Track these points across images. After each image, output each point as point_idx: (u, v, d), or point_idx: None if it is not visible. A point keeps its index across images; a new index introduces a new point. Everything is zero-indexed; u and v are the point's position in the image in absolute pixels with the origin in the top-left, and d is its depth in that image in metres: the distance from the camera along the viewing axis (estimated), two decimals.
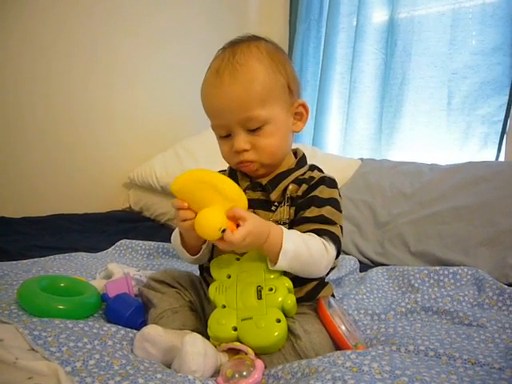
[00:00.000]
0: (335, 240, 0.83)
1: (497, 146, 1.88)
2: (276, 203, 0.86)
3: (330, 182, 0.87)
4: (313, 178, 0.87)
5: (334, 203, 0.85)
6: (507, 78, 1.84)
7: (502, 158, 1.88)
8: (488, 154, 1.91)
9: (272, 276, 0.78)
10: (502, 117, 1.86)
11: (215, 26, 2.37)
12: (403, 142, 2.14)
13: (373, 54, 2.18)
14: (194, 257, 0.88)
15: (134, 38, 2.14)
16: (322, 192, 0.85)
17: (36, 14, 1.81)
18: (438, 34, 2.00)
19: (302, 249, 0.78)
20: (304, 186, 0.86)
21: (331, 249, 0.82)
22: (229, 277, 0.81)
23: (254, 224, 0.74)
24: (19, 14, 1.76)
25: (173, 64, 2.28)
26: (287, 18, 2.57)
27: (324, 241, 0.81)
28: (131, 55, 2.14)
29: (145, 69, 2.20)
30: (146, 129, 2.23)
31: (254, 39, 0.86)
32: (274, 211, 0.86)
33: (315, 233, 0.81)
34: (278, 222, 0.85)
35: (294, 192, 0.86)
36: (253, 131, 0.82)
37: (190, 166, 1.99)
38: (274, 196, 0.86)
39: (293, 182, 0.87)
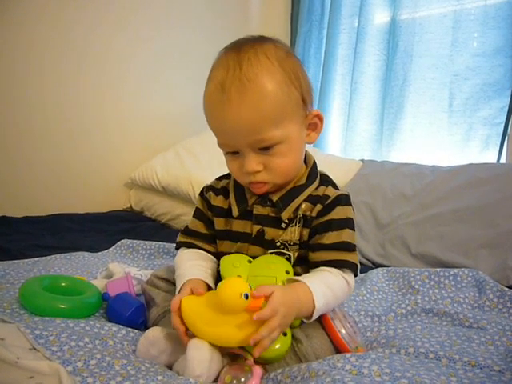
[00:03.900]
0: (354, 269, 0.81)
1: (498, 148, 1.88)
2: (286, 220, 0.82)
3: (345, 200, 0.82)
4: (327, 196, 0.82)
5: (351, 224, 0.82)
6: (509, 80, 1.84)
7: (503, 160, 1.88)
8: (489, 156, 1.91)
9: (282, 284, 0.77)
10: (504, 119, 1.86)
11: (217, 26, 2.37)
12: (404, 143, 2.14)
13: (374, 55, 2.18)
14: None
15: (136, 38, 2.14)
16: (338, 213, 0.81)
17: (30, 15, 1.81)
18: (439, 36, 2.00)
19: (330, 298, 0.76)
20: (318, 207, 0.81)
21: (351, 281, 0.81)
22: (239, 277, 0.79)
23: (283, 294, 0.69)
24: (29, 15, 1.77)
25: (175, 64, 2.29)
26: (289, 20, 2.57)
27: (345, 275, 0.79)
28: (134, 55, 2.15)
29: (146, 69, 2.20)
30: (147, 129, 2.23)
31: (261, 42, 0.76)
32: (284, 229, 0.82)
33: (335, 265, 0.79)
34: (287, 242, 0.82)
35: (307, 211, 0.82)
36: (265, 150, 0.76)
37: (191, 166, 1.99)
38: (285, 215, 0.81)
39: (306, 200, 0.82)
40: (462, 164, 1.75)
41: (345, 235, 0.80)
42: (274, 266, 0.79)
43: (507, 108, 1.85)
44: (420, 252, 1.44)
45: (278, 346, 0.70)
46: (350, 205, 0.83)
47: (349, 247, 0.80)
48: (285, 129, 0.75)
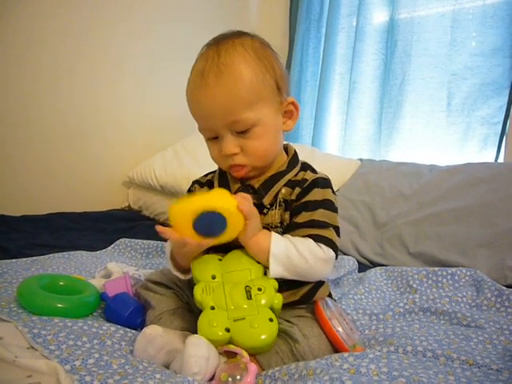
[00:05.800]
0: (330, 244, 0.81)
1: (496, 148, 1.89)
2: (268, 205, 0.85)
3: (323, 183, 0.85)
4: (306, 180, 0.85)
5: (327, 205, 0.83)
6: (507, 80, 1.85)
7: (501, 160, 1.88)
8: (487, 156, 1.91)
9: (259, 276, 0.78)
10: (502, 118, 1.87)
11: (216, 26, 2.34)
12: (403, 142, 2.14)
13: (373, 54, 2.18)
14: (187, 277, 0.85)
15: (134, 35, 2.15)
16: (315, 195, 0.83)
17: (43, 14, 1.83)
18: (437, 35, 2.00)
19: (293, 253, 0.78)
20: (297, 190, 0.84)
21: (330, 253, 0.80)
22: (213, 277, 0.78)
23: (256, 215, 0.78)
24: (24, 14, 1.77)
25: (173, 62, 2.27)
26: (287, 18, 2.57)
27: (321, 245, 0.80)
28: (132, 53, 2.15)
29: (145, 67, 2.20)
30: (145, 127, 2.23)
31: (238, 36, 0.83)
32: (265, 214, 0.84)
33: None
34: (269, 225, 0.84)
35: (287, 195, 0.84)
36: (241, 133, 0.80)
37: (190, 165, 1.99)
38: (267, 201, 0.84)
39: (285, 185, 0.85)
40: (460, 163, 1.75)
41: (317, 215, 0.81)
42: (246, 259, 0.80)
43: (505, 107, 1.85)
44: (418, 251, 1.44)
45: (263, 337, 0.70)
46: (329, 187, 0.86)
47: (320, 225, 0.81)
48: (259, 111, 0.79)
